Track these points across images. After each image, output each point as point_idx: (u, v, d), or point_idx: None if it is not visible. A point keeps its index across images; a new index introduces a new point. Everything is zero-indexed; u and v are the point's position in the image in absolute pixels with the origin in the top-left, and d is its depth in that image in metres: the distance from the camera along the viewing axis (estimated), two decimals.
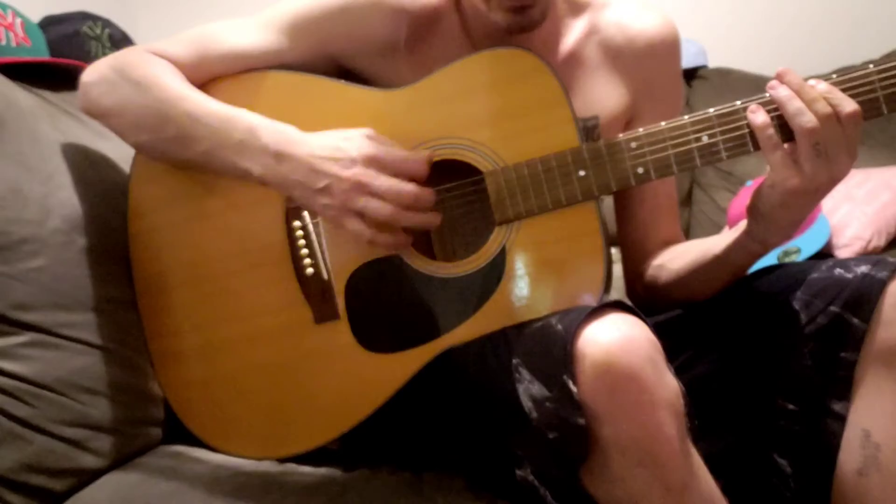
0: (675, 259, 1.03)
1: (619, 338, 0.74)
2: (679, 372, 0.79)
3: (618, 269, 1.01)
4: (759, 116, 0.86)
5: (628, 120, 1.06)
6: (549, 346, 0.78)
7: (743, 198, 1.88)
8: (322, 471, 0.97)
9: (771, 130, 0.85)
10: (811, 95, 0.83)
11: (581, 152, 0.91)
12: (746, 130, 0.87)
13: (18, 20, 1.32)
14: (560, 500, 0.81)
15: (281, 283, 0.98)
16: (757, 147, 0.87)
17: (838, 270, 0.90)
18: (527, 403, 0.79)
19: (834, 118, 0.82)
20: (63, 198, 1.03)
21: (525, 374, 0.80)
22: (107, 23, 1.53)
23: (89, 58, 1.41)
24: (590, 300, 0.89)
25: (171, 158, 0.99)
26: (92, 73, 1.01)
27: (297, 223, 0.98)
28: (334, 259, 0.97)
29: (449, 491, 0.92)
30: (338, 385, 0.96)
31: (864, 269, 0.88)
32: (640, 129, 0.90)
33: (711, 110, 0.88)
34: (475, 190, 0.97)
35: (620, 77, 1.04)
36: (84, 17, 1.51)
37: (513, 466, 0.85)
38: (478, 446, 0.93)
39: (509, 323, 0.89)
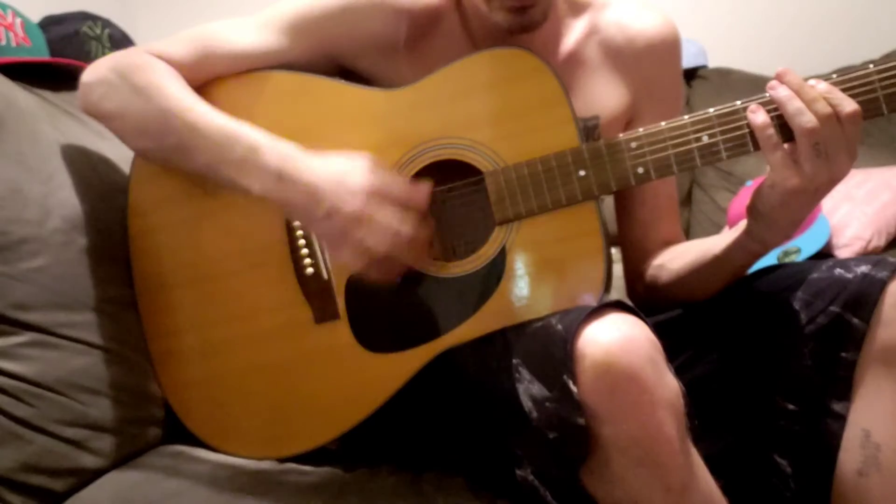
0: (676, 259, 1.03)
1: (620, 338, 0.74)
2: (679, 372, 0.79)
3: (618, 269, 1.01)
4: (759, 116, 0.86)
5: (629, 120, 1.06)
6: (550, 346, 0.78)
7: (743, 198, 1.88)
8: (322, 471, 0.97)
9: (771, 130, 0.85)
10: (811, 95, 0.83)
11: (581, 152, 0.91)
12: (746, 130, 0.87)
13: (18, 20, 1.32)
14: (560, 500, 0.81)
15: (281, 282, 0.98)
16: (757, 147, 0.87)
17: (838, 270, 0.90)
18: (527, 403, 0.79)
19: (834, 118, 0.82)
20: (63, 198, 1.02)
21: (525, 374, 0.80)
22: (107, 23, 1.53)
23: (89, 58, 1.41)
24: (590, 300, 0.89)
25: (172, 166, 0.99)
26: (92, 74, 1.00)
27: (297, 223, 0.98)
28: (334, 259, 0.97)
29: (449, 491, 0.92)
30: (338, 385, 0.96)
31: (864, 269, 0.88)
32: (641, 129, 0.90)
33: (711, 110, 0.88)
34: (475, 190, 0.97)
35: (621, 77, 1.04)
36: (84, 17, 1.51)
37: (513, 466, 0.85)
38: (478, 446, 0.93)
39: (509, 323, 0.89)
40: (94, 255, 1.03)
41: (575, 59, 1.03)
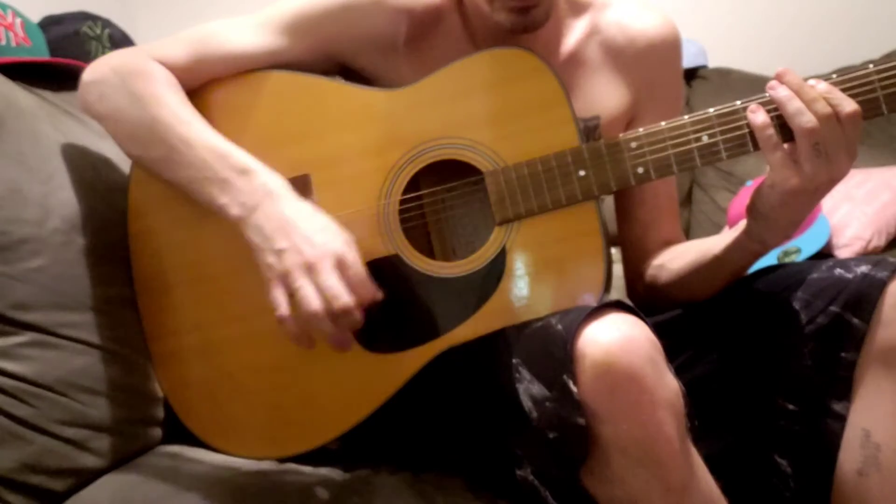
0: (676, 259, 1.03)
1: (619, 338, 0.74)
2: (679, 372, 0.79)
3: (618, 269, 1.01)
4: (758, 116, 0.86)
5: (629, 120, 1.06)
6: (550, 346, 0.78)
7: (743, 198, 1.88)
8: (322, 471, 0.97)
9: (771, 130, 0.85)
10: (811, 95, 0.83)
11: (581, 152, 0.91)
12: (746, 130, 0.87)
13: (18, 20, 1.32)
14: (560, 500, 0.81)
15: None
16: (757, 147, 0.87)
17: (838, 270, 0.90)
18: (527, 403, 0.79)
19: (834, 118, 0.82)
20: (63, 198, 1.02)
21: (525, 374, 0.80)
22: (107, 23, 1.52)
23: (89, 58, 1.41)
24: (590, 300, 0.89)
25: (155, 175, 0.99)
26: (93, 74, 1.00)
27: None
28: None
29: (449, 491, 0.92)
30: (338, 385, 0.96)
31: (864, 269, 0.88)
32: (641, 129, 0.90)
33: (711, 110, 0.88)
34: (475, 190, 0.97)
35: (621, 77, 1.04)
36: (84, 17, 1.50)
37: (513, 466, 0.85)
38: (478, 446, 0.94)
39: (509, 323, 0.89)
40: (94, 255, 1.03)
41: (575, 59, 1.03)
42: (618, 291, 1.14)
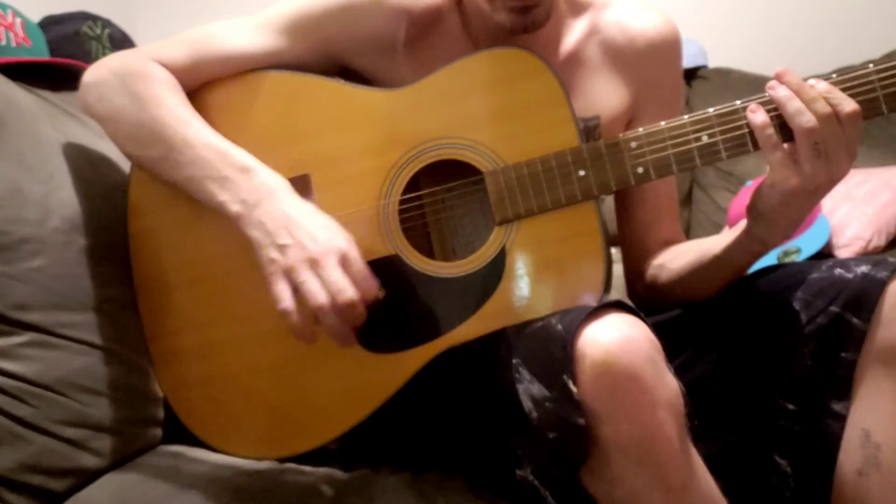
0: (676, 259, 1.03)
1: (619, 338, 0.74)
2: (679, 372, 0.79)
3: (618, 269, 1.01)
4: (758, 116, 0.86)
5: (629, 120, 1.06)
6: (550, 347, 0.78)
7: (743, 198, 1.88)
8: (322, 471, 0.97)
9: (770, 130, 0.85)
10: (811, 95, 0.83)
11: (581, 152, 0.91)
12: (746, 130, 0.87)
13: (18, 20, 1.32)
14: (560, 500, 0.81)
15: None
16: (757, 147, 0.87)
17: (838, 270, 0.90)
18: (527, 403, 0.79)
19: (834, 118, 0.82)
20: (63, 198, 1.02)
21: (525, 374, 0.80)
22: (107, 23, 1.53)
23: (89, 58, 1.41)
24: (590, 300, 0.89)
25: (154, 175, 0.99)
26: (93, 75, 1.00)
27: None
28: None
29: (449, 491, 0.92)
30: (338, 385, 0.96)
31: (864, 269, 0.88)
32: (640, 129, 0.90)
33: (711, 110, 0.88)
34: (475, 190, 0.97)
35: (621, 77, 1.04)
36: (84, 17, 1.51)
37: (513, 466, 0.85)
38: (478, 446, 0.93)
39: (509, 323, 0.89)
40: (94, 255, 1.03)
41: (575, 59, 1.03)
42: (618, 291, 1.14)
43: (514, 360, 0.82)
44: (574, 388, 0.74)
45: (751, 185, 1.99)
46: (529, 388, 0.79)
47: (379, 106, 0.97)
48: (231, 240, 0.99)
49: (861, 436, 0.86)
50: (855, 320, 0.87)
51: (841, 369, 0.88)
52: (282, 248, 0.85)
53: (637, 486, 0.76)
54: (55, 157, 1.05)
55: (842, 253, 1.80)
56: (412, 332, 0.94)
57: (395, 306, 0.94)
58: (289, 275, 0.84)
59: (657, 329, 0.78)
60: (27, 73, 1.20)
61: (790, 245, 1.75)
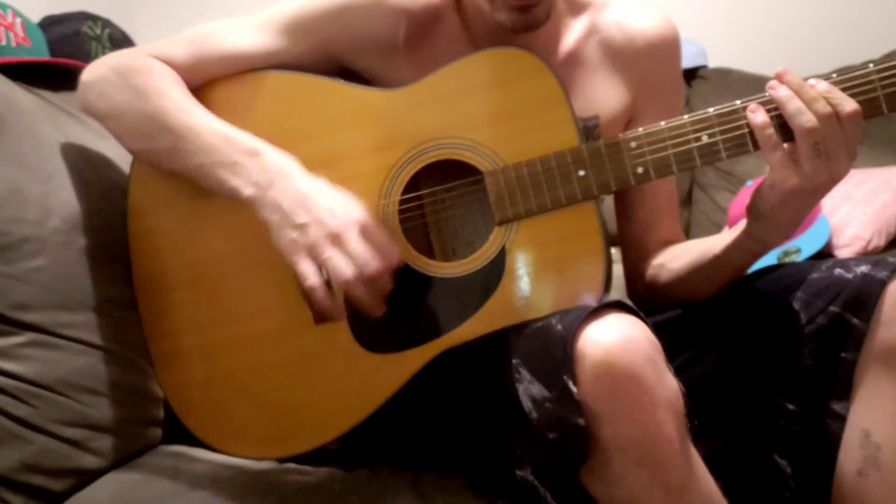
0: (676, 259, 1.03)
1: (619, 338, 0.74)
2: (679, 372, 0.79)
3: (618, 269, 1.01)
4: (758, 116, 0.86)
5: (628, 119, 1.06)
6: (549, 347, 0.78)
7: (743, 198, 1.88)
8: (322, 471, 0.97)
9: (770, 130, 0.85)
10: (811, 95, 0.83)
11: (581, 152, 0.91)
12: (746, 130, 0.87)
13: (18, 20, 1.32)
14: (560, 500, 0.81)
15: (280, 283, 0.97)
16: (757, 147, 0.87)
17: (838, 270, 0.90)
18: (527, 403, 0.79)
19: (834, 118, 0.82)
20: (63, 198, 1.02)
21: (525, 374, 0.80)
22: (107, 23, 1.53)
23: (89, 58, 1.41)
24: (590, 300, 0.89)
25: (162, 168, 0.99)
26: (91, 73, 1.00)
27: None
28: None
29: (449, 491, 0.92)
30: (338, 385, 0.96)
31: (864, 269, 0.88)
32: (640, 129, 0.90)
33: (711, 110, 0.88)
34: (475, 190, 0.97)
35: (621, 77, 1.04)
36: (84, 17, 1.51)
37: (513, 466, 0.85)
38: (478, 446, 0.93)
39: (509, 323, 0.89)
40: (94, 255, 1.03)
41: (575, 58, 1.03)
42: (618, 291, 1.14)
43: (513, 361, 0.82)
44: (574, 389, 0.74)
45: (751, 185, 1.99)
46: (529, 389, 0.79)
47: (379, 106, 0.97)
48: (231, 240, 0.99)
49: (861, 436, 0.86)
50: (855, 320, 0.87)
51: (841, 369, 0.88)
52: (301, 227, 0.85)
53: (637, 487, 0.76)
54: (55, 157, 1.05)
55: (842, 253, 1.80)
56: (412, 331, 0.94)
57: (395, 306, 0.94)
58: (311, 252, 0.85)
59: (657, 329, 0.78)
60: (27, 73, 1.20)
61: (790, 245, 1.75)
